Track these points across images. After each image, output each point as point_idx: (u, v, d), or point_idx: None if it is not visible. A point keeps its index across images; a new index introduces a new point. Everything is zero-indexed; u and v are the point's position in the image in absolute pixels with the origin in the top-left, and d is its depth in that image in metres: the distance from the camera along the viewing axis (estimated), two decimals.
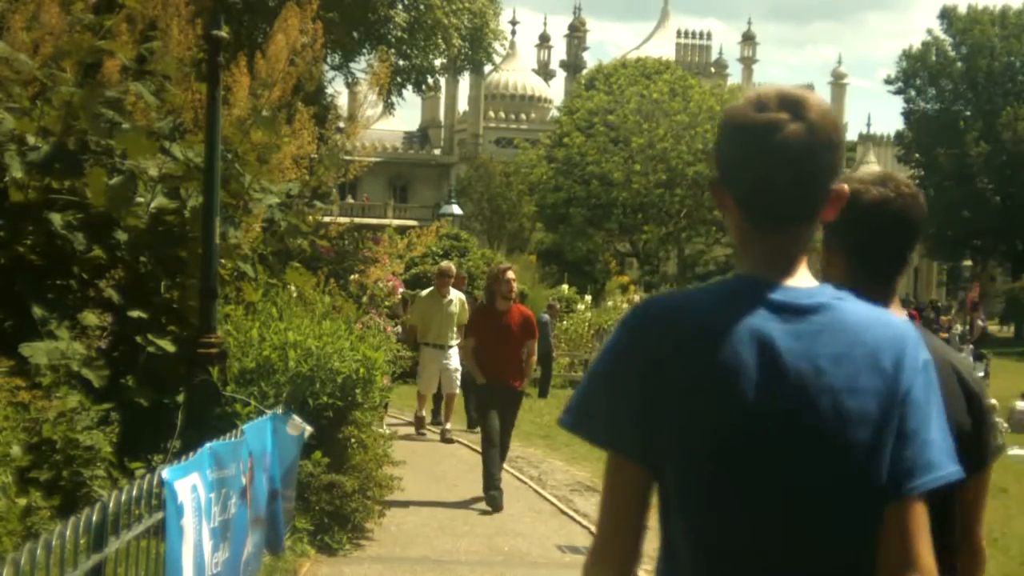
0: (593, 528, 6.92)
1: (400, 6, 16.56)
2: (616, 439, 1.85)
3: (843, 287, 1.97)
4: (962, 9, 55.26)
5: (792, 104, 1.86)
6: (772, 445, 1.79)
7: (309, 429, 6.83)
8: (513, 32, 65.10)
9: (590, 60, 71.82)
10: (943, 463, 1.83)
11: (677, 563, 1.88)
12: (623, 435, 1.84)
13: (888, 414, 1.81)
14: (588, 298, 25.04)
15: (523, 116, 67.71)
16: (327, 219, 10.98)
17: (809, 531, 1.82)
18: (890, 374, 1.82)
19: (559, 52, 74.18)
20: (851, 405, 1.79)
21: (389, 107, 18.72)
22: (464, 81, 56.04)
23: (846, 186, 2.00)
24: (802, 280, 1.87)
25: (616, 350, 1.89)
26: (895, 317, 1.91)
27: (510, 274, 9.08)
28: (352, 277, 10.02)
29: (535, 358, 9.75)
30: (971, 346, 28.79)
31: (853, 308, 1.87)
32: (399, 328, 12.34)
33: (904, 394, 1.83)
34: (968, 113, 53.97)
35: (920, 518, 1.84)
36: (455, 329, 12.30)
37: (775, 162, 1.84)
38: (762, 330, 1.80)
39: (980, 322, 36.79)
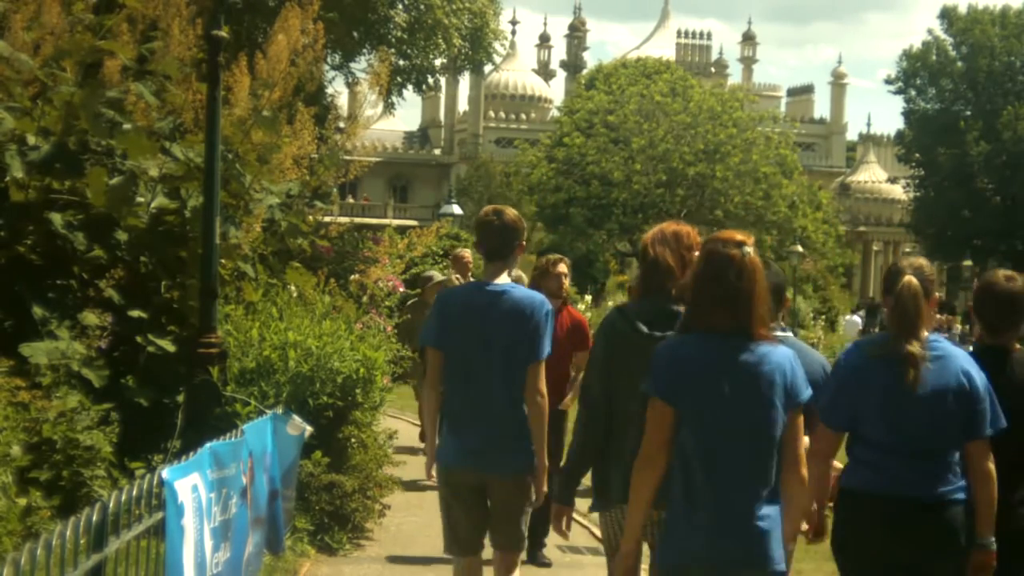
0: (592, 529, 6.91)
1: (400, 6, 16.55)
2: (434, 342, 4.89)
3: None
4: (962, 9, 55.25)
5: (498, 212, 4.91)
6: (479, 342, 4.74)
7: (309, 429, 6.82)
8: (513, 32, 64.89)
9: (590, 60, 71.78)
10: (542, 351, 4.77)
11: (449, 410, 4.93)
12: (435, 339, 4.88)
13: (526, 330, 4.73)
14: (588, 297, 25.06)
15: (523, 116, 67.58)
16: (327, 219, 10.98)
17: (495, 385, 4.75)
18: (528, 316, 4.75)
19: (559, 52, 74.09)
20: (513, 329, 4.74)
21: (389, 107, 18.72)
22: (464, 81, 56.06)
23: (524, 242, 4.99)
24: (501, 281, 4.84)
25: (434, 310, 5.00)
26: (537, 294, 4.93)
27: (562, 267, 7.15)
28: (352, 277, 10.01)
29: (583, 375, 6.38)
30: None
31: (518, 291, 4.85)
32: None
33: (534, 324, 4.75)
34: (968, 113, 53.92)
35: (539, 369, 4.77)
36: None
37: (491, 235, 4.87)
38: (477, 299, 4.84)
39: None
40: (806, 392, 3.54)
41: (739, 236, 3.56)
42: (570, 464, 4.39)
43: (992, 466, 3.98)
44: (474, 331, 4.77)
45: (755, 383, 3.46)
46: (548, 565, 7.23)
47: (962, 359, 4.04)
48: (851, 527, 4.06)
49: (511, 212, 4.93)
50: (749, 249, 3.50)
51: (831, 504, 4.28)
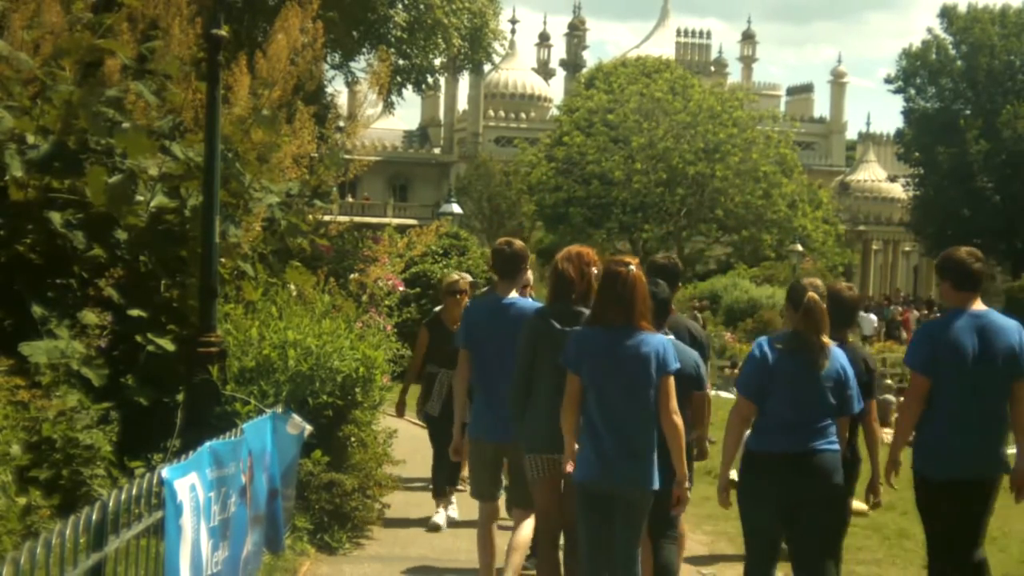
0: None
1: (400, 6, 16.56)
2: (462, 343, 6.22)
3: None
4: (962, 8, 55.21)
5: (509, 243, 6.32)
6: (491, 341, 6.03)
7: (309, 428, 6.83)
8: (513, 31, 64.73)
9: (590, 59, 71.66)
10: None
11: (475, 394, 6.23)
12: (463, 341, 6.20)
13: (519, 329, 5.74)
14: None
15: (523, 115, 67.46)
16: (327, 218, 10.97)
17: (504, 375, 5.73)
18: (523, 317, 5.79)
19: (559, 51, 73.91)
20: (515, 330, 5.72)
21: (389, 106, 18.71)
22: (464, 80, 55.88)
23: (527, 266, 6.37)
24: (511, 294, 6.15)
25: (463, 317, 6.50)
26: (535, 304, 6.13)
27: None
28: (352, 276, 10.01)
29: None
30: None
31: (521, 302, 6.15)
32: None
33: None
34: (968, 112, 53.86)
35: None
36: None
37: (503, 260, 6.21)
38: (492, 309, 6.17)
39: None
40: (674, 365, 5.10)
41: (627, 259, 5.17)
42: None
43: (846, 434, 5.40)
44: (488, 333, 6.06)
45: (635, 359, 5.05)
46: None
47: (840, 356, 5.30)
48: (752, 478, 5.30)
49: (519, 243, 6.36)
50: (632, 267, 5.08)
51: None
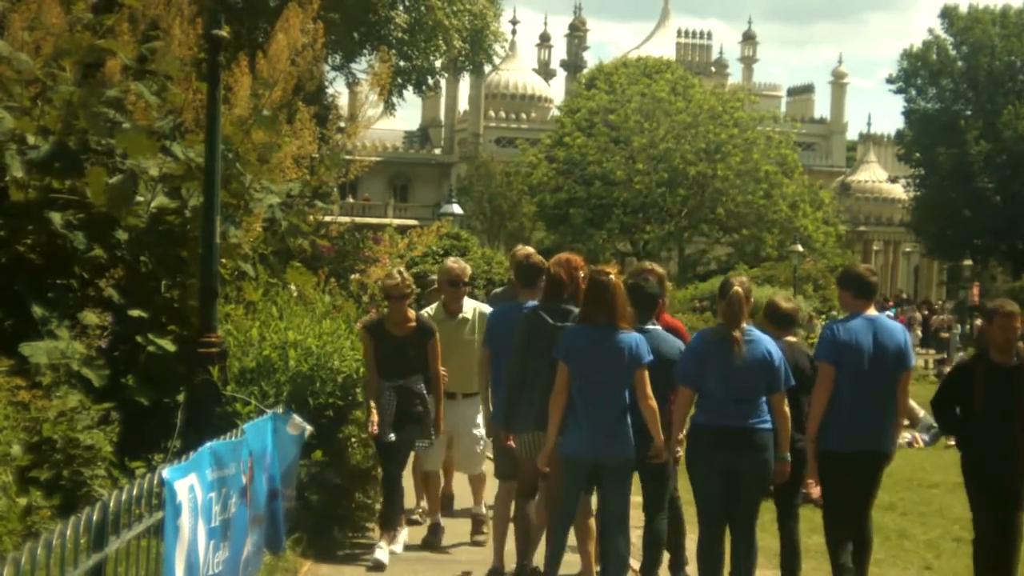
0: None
1: (401, 7, 16.57)
2: (487, 343, 6.97)
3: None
4: (963, 8, 55.17)
5: (528, 255, 7.05)
6: (502, 344, 6.58)
7: (309, 428, 6.83)
8: (513, 32, 64.65)
9: (591, 60, 71.44)
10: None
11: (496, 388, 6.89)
12: (488, 341, 6.95)
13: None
14: None
15: (523, 116, 67.43)
16: (328, 219, 10.97)
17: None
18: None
19: (559, 52, 73.83)
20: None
21: (390, 107, 18.71)
22: (464, 80, 55.76)
23: (544, 276, 6.56)
24: (531, 301, 6.60)
25: (488, 320, 7.23)
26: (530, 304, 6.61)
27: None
28: (353, 277, 10.01)
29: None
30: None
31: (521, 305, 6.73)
32: None
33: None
34: (969, 112, 53.80)
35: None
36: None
37: (523, 271, 6.94)
38: (514, 313, 6.62)
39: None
40: (647, 358, 5.98)
41: (608, 268, 6.12)
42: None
43: (787, 409, 6.11)
44: (508, 336, 6.48)
45: (614, 353, 5.95)
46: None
47: (766, 342, 6.13)
48: (697, 448, 6.15)
49: (537, 256, 7.00)
50: (612, 276, 5.99)
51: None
